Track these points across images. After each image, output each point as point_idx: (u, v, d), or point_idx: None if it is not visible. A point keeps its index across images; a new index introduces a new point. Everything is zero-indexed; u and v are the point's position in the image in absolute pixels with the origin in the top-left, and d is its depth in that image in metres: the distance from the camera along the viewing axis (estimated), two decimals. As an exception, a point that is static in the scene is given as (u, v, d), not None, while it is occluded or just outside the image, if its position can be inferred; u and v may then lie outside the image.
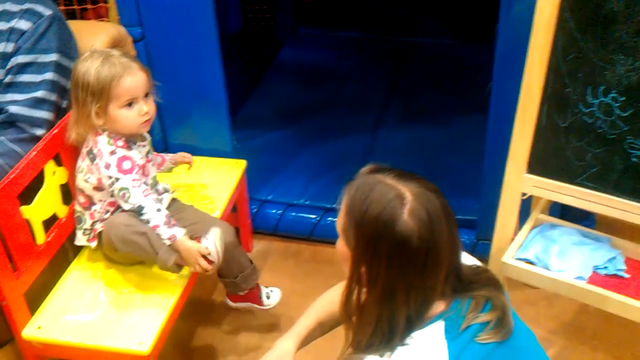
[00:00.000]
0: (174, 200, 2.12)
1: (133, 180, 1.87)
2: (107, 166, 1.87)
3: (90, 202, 1.95)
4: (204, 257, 1.88)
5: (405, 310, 1.23)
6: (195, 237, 1.96)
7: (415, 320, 1.25)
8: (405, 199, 1.20)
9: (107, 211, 1.95)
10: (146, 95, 1.90)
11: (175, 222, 1.88)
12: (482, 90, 2.39)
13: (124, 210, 1.91)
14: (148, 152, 2.00)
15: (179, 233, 1.86)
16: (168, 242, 1.85)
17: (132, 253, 1.92)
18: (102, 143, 1.89)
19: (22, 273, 1.82)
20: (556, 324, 2.29)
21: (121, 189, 1.87)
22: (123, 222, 1.89)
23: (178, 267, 1.89)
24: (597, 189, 1.78)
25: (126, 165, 1.87)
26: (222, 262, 1.93)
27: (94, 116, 1.85)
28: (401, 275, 1.21)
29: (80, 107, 1.87)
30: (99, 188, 1.92)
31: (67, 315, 1.87)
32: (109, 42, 2.19)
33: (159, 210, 1.86)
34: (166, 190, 2.10)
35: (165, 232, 1.84)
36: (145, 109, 1.89)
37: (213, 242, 1.89)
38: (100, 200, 1.94)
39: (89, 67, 1.84)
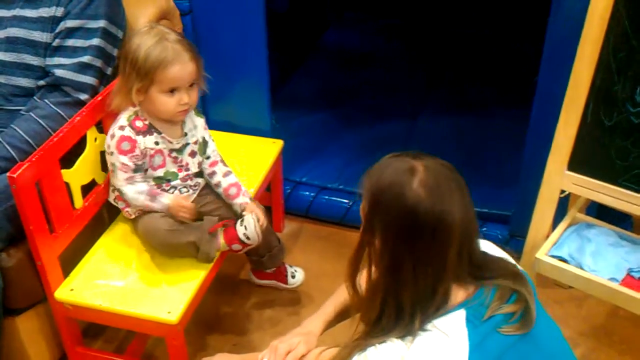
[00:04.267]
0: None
1: (122, 163, 1.85)
2: (112, 137, 1.87)
3: None
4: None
5: (413, 287, 1.22)
6: (224, 218, 1.99)
7: (428, 302, 1.24)
8: (416, 170, 1.21)
9: None
10: (191, 85, 1.87)
11: (157, 192, 1.88)
12: (524, 84, 2.36)
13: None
14: (175, 151, 1.93)
15: (167, 199, 1.86)
16: (165, 210, 1.87)
17: (170, 254, 1.94)
18: (124, 115, 1.88)
19: (59, 235, 1.85)
20: (584, 325, 2.26)
21: (111, 164, 1.88)
22: (163, 226, 1.89)
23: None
24: (638, 191, 1.75)
25: (125, 146, 1.85)
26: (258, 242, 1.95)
27: (135, 93, 1.83)
28: (409, 247, 1.21)
29: (124, 79, 1.86)
30: None
31: (99, 279, 1.90)
32: (157, 13, 2.21)
33: (138, 192, 1.86)
34: (189, 186, 2.02)
35: (155, 206, 1.85)
36: (186, 100, 1.85)
37: (254, 229, 1.92)
38: None
39: (142, 44, 1.81)
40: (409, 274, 1.22)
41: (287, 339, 1.55)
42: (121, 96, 1.89)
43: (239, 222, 1.95)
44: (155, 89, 1.83)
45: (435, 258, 1.22)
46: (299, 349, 1.53)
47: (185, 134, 1.95)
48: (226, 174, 2.04)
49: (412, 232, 1.20)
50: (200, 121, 2.00)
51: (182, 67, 1.82)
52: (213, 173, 2.04)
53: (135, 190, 1.88)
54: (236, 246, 1.96)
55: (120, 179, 1.87)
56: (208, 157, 2.03)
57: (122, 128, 1.86)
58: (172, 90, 1.84)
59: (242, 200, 2.02)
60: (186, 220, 1.88)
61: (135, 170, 1.87)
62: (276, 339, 1.56)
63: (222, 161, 2.06)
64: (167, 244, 1.91)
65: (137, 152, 1.86)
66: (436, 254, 1.21)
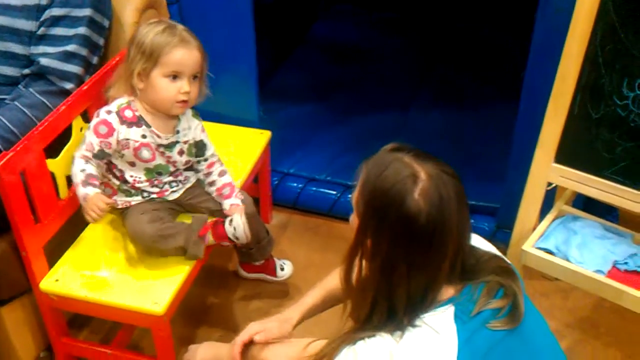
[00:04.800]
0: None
1: (90, 142, 1.82)
2: (96, 115, 1.85)
3: None
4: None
5: (406, 289, 1.23)
6: (212, 210, 2.01)
7: (419, 303, 1.24)
8: (418, 178, 1.20)
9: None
10: (194, 77, 1.85)
11: (93, 182, 1.82)
12: (515, 78, 2.36)
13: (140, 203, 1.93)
14: (163, 146, 1.89)
15: (91, 192, 1.80)
16: (81, 200, 1.81)
17: (157, 255, 1.92)
18: (116, 102, 1.85)
19: (44, 225, 1.84)
20: (570, 317, 2.27)
21: (84, 136, 1.85)
22: (151, 232, 1.87)
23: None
24: (624, 184, 1.75)
25: (102, 129, 1.82)
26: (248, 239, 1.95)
27: (136, 76, 1.81)
28: (404, 252, 1.21)
29: (128, 64, 1.83)
30: None
31: (85, 270, 1.88)
32: (144, 2, 2.19)
33: (82, 170, 1.82)
34: (179, 181, 2.01)
35: (79, 191, 1.80)
36: (186, 89, 1.81)
37: (243, 231, 1.91)
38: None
39: (150, 30, 1.80)
40: (402, 277, 1.22)
41: (263, 322, 1.64)
42: (120, 83, 1.86)
43: (227, 222, 1.93)
44: (157, 71, 1.80)
45: (429, 264, 1.22)
46: (271, 331, 1.62)
47: (178, 132, 1.91)
48: (222, 174, 2.04)
49: (409, 239, 1.20)
50: (196, 123, 1.96)
51: (189, 52, 1.81)
52: (209, 173, 2.03)
53: (81, 168, 1.82)
54: (225, 243, 1.96)
55: (80, 150, 1.84)
56: (206, 159, 2.02)
57: (108, 112, 1.84)
58: (174, 77, 1.81)
59: (234, 201, 2.01)
60: (89, 219, 1.81)
61: (96, 156, 1.83)
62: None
63: (219, 161, 2.05)
64: (154, 248, 1.90)
65: (111, 140, 1.83)
66: (431, 261, 1.22)
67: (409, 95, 3.31)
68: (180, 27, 1.84)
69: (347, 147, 2.86)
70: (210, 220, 1.97)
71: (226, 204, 2.01)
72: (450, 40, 3.81)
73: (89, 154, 1.83)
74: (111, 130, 1.83)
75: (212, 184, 2.03)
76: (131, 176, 1.91)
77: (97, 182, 1.82)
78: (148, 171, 1.92)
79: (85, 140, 1.84)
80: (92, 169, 1.83)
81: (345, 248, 1.31)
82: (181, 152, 1.94)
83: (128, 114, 1.85)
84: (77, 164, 1.82)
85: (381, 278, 1.24)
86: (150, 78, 1.81)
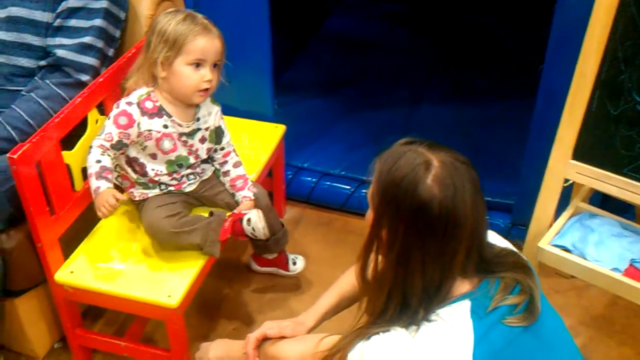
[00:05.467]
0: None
1: (109, 133, 1.81)
2: (117, 106, 1.85)
3: None
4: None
5: (421, 280, 1.22)
6: (228, 202, 2.02)
7: (434, 295, 1.24)
8: (431, 165, 1.20)
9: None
10: (215, 65, 1.85)
11: (106, 175, 1.81)
12: (527, 72, 2.35)
13: (156, 197, 1.93)
14: (185, 135, 1.90)
15: (103, 186, 1.79)
16: (93, 192, 1.80)
17: (174, 250, 1.92)
18: (136, 93, 1.85)
19: (59, 217, 1.84)
20: (585, 315, 2.26)
21: (103, 125, 1.85)
22: (167, 228, 1.87)
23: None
24: (643, 181, 1.74)
25: (122, 120, 1.82)
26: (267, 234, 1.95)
27: (159, 65, 1.81)
28: (419, 241, 1.20)
29: (149, 53, 1.83)
30: None
31: (99, 262, 1.89)
32: (160, -6, 2.19)
33: (98, 161, 1.81)
34: (196, 174, 2.02)
35: (92, 183, 1.80)
36: (209, 77, 1.82)
37: (261, 229, 1.91)
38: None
39: (171, 19, 1.80)
40: (417, 268, 1.22)
41: (278, 321, 1.64)
42: (140, 73, 1.86)
43: (245, 221, 1.92)
44: (180, 60, 1.80)
45: (445, 253, 1.21)
46: (284, 330, 1.61)
47: (198, 119, 1.92)
48: (236, 165, 2.04)
49: (424, 227, 1.20)
50: (215, 109, 1.98)
51: (211, 40, 1.81)
52: (224, 162, 2.04)
53: (97, 159, 1.81)
54: (242, 238, 1.97)
55: (98, 140, 1.83)
56: (222, 148, 2.02)
57: (129, 104, 1.84)
58: (197, 65, 1.81)
59: (245, 194, 2.02)
60: (99, 214, 1.80)
61: (114, 146, 1.83)
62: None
63: (235, 151, 2.06)
64: (170, 244, 1.90)
65: (130, 132, 1.83)
66: (446, 250, 1.21)
67: (421, 88, 3.30)
68: (200, 16, 1.85)
69: (361, 142, 2.86)
70: (229, 218, 1.95)
71: (238, 197, 2.02)
72: (461, 34, 3.80)
73: (107, 144, 1.82)
74: (131, 122, 1.83)
75: (226, 174, 2.04)
76: (153, 169, 1.91)
77: (110, 176, 1.82)
78: (170, 164, 1.92)
79: (105, 130, 1.83)
80: (107, 161, 1.83)
81: (359, 243, 1.31)
82: (203, 140, 1.95)
83: (148, 105, 1.85)
84: (94, 154, 1.82)
85: (397, 270, 1.24)
86: (173, 66, 1.81)
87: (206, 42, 1.80)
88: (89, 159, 1.82)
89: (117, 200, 1.76)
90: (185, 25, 1.79)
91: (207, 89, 1.85)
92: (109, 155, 1.83)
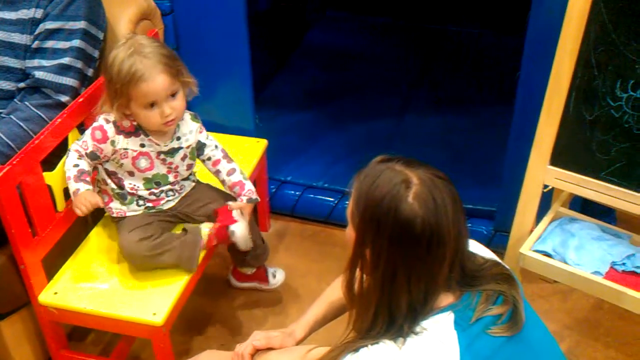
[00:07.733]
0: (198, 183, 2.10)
1: (85, 141, 1.84)
2: (96, 120, 1.87)
3: None
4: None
5: (407, 297, 1.22)
6: (209, 216, 2.01)
7: (419, 310, 1.24)
8: (411, 183, 1.20)
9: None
10: (173, 94, 1.82)
11: (85, 178, 1.84)
12: (509, 81, 2.37)
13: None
14: (164, 153, 1.91)
15: (82, 188, 1.82)
16: (72, 194, 1.83)
17: (150, 269, 1.93)
18: (114, 114, 1.84)
19: (42, 238, 1.84)
20: (569, 319, 2.27)
21: (84, 132, 1.88)
22: (141, 252, 1.87)
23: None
24: (620, 185, 1.76)
25: (97, 135, 1.84)
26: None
27: (116, 109, 1.81)
28: (403, 259, 1.20)
29: (108, 90, 1.83)
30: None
31: (83, 282, 1.88)
32: (138, 14, 2.20)
33: (75, 165, 1.84)
34: (175, 191, 2.01)
35: (71, 186, 1.82)
36: (168, 112, 1.80)
37: (243, 241, 1.94)
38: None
39: (116, 57, 1.78)
40: (403, 286, 1.22)
41: (267, 332, 1.62)
42: (107, 107, 1.86)
43: (230, 234, 1.94)
44: (134, 104, 1.80)
45: (429, 270, 1.21)
46: (273, 341, 1.60)
47: (179, 138, 1.92)
48: (230, 173, 2.04)
49: (408, 245, 1.20)
50: (195, 126, 1.97)
51: (153, 82, 1.76)
52: (217, 172, 2.04)
53: (74, 163, 1.84)
54: (226, 243, 2.00)
55: (76, 144, 1.86)
56: (209, 158, 2.02)
57: (107, 121, 1.85)
58: (152, 105, 1.80)
59: (242, 198, 2.03)
60: (77, 212, 1.82)
61: (88, 155, 1.85)
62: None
63: (226, 157, 2.05)
64: (145, 266, 1.91)
65: (103, 147, 1.85)
66: (430, 267, 1.21)
67: (404, 100, 3.31)
68: (147, 48, 1.79)
69: (344, 154, 2.86)
70: (211, 230, 1.96)
71: (239, 200, 2.04)
72: (444, 44, 3.82)
73: (82, 152, 1.86)
74: (105, 139, 1.84)
75: (223, 182, 2.05)
76: (130, 184, 1.92)
77: (88, 179, 1.85)
78: (147, 181, 1.92)
79: (83, 137, 1.87)
80: (85, 164, 1.86)
81: (343, 255, 1.31)
82: (184, 157, 1.96)
83: (126, 124, 1.85)
84: (71, 157, 1.86)
85: (383, 288, 1.24)
86: (131, 109, 1.82)
87: (150, 87, 1.76)
88: (66, 163, 1.86)
89: (97, 201, 1.80)
90: (126, 67, 1.75)
91: (173, 119, 1.84)
92: (85, 160, 1.86)
